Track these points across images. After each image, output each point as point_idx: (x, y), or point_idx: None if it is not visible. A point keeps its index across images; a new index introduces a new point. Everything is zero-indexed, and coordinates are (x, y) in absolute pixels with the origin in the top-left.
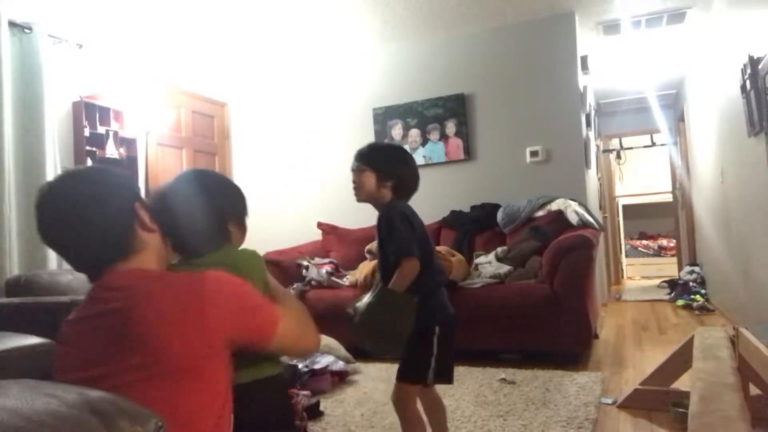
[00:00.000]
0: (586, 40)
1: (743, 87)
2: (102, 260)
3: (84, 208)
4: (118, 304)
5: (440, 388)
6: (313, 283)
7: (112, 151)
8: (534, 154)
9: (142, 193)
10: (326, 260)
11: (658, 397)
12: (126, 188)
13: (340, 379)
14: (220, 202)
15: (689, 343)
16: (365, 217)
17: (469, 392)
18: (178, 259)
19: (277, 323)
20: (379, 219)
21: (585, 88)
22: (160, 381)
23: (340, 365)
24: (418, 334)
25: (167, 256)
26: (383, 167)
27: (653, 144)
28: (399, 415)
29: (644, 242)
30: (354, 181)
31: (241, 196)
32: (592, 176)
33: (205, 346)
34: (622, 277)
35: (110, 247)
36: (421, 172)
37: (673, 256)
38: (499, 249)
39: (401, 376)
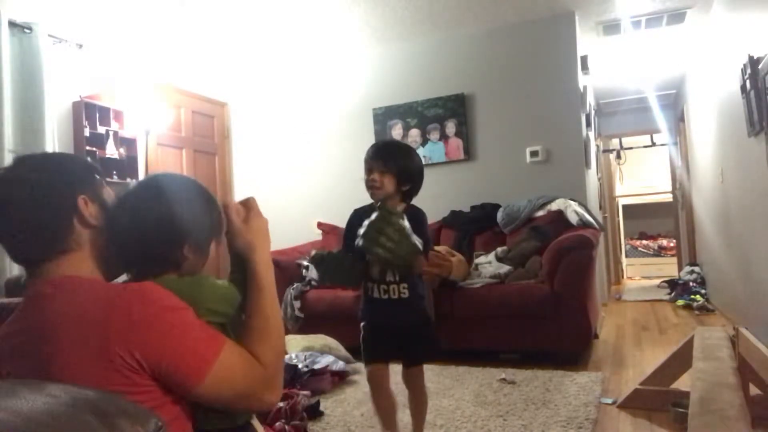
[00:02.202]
0: (586, 40)
1: (743, 87)
2: (34, 255)
3: (21, 197)
4: (30, 322)
5: (440, 388)
6: (313, 283)
7: (112, 151)
8: (534, 154)
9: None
10: None
11: (658, 397)
12: (73, 178)
13: (340, 379)
14: (180, 219)
15: (689, 343)
16: None
17: (469, 392)
18: (129, 279)
19: (212, 361)
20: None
21: (585, 88)
22: None
23: (340, 365)
24: (430, 322)
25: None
26: (405, 175)
27: (653, 144)
28: (420, 394)
29: (644, 242)
30: (374, 180)
31: (213, 215)
32: (592, 176)
33: (117, 381)
34: (622, 277)
35: (42, 242)
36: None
37: (673, 256)
38: (499, 249)
39: (424, 359)
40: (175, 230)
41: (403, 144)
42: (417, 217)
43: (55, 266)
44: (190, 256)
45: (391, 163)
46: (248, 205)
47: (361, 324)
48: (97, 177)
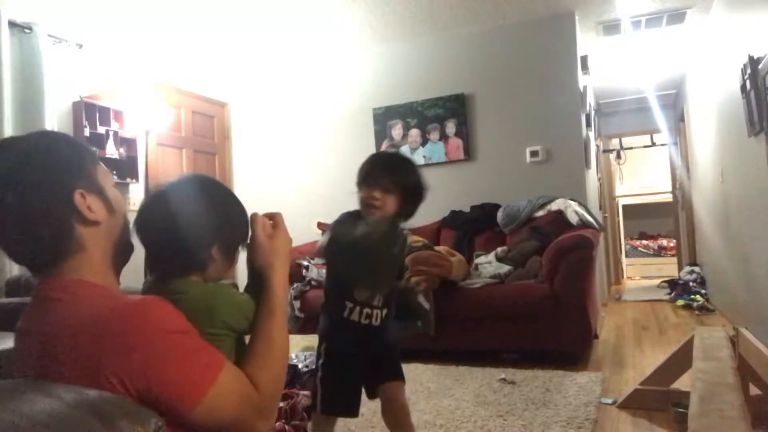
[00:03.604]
0: (586, 40)
1: (743, 87)
2: (34, 261)
3: (10, 202)
4: (35, 326)
5: (440, 388)
6: (313, 283)
7: (112, 151)
8: (534, 154)
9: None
10: None
11: (658, 397)
12: (66, 170)
13: None
14: (212, 217)
15: (689, 343)
16: None
17: (469, 392)
18: (152, 279)
19: (207, 389)
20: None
21: (585, 88)
22: None
23: None
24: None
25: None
26: (413, 196)
27: (653, 144)
28: (406, 413)
29: (644, 242)
30: (375, 198)
31: (243, 220)
32: (592, 176)
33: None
34: (622, 277)
35: (41, 249)
36: (421, 172)
37: (673, 256)
38: (499, 249)
39: (401, 373)
40: (207, 227)
41: (409, 159)
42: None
43: (60, 269)
44: (218, 258)
45: (400, 181)
46: (275, 220)
47: (323, 348)
48: (89, 159)
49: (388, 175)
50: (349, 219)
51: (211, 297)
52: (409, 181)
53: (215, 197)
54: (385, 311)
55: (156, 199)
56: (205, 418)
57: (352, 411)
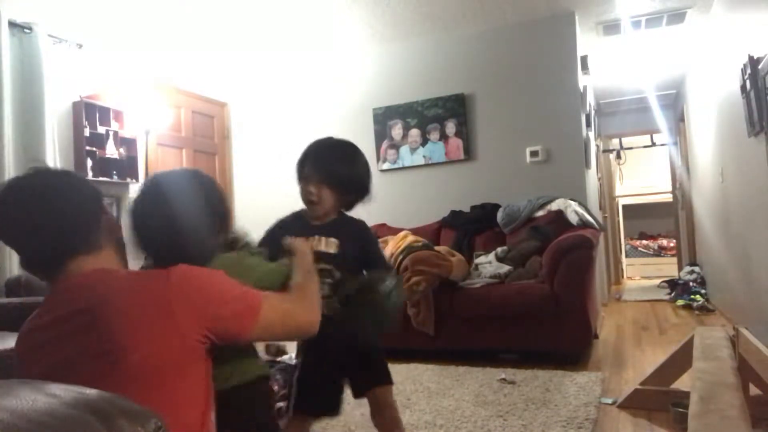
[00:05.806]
0: (586, 40)
1: (743, 87)
2: (63, 253)
3: (50, 198)
4: (81, 304)
5: (440, 388)
6: None
7: (112, 151)
8: (534, 154)
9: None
10: None
11: (658, 397)
12: (92, 187)
13: None
14: (219, 206)
15: (689, 343)
16: (364, 217)
17: (469, 392)
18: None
19: (258, 309)
20: (357, 232)
21: (585, 88)
22: (132, 385)
23: None
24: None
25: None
26: (347, 185)
27: (653, 144)
28: (396, 420)
29: (644, 242)
30: (311, 192)
31: (227, 201)
32: (592, 176)
33: (177, 346)
34: (622, 277)
35: (74, 238)
36: (421, 172)
37: (673, 256)
38: (499, 249)
39: (386, 377)
40: (214, 218)
41: (341, 144)
42: (356, 233)
43: (82, 264)
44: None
45: (329, 172)
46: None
47: (301, 345)
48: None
49: (317, 166)
50: (277, 230)
51: (239, 261)
52: (343, 171)
53: (214, 185)
54: (335, 300)
55: (154, 199)
56: (265, 329)
57: (330, 410)
